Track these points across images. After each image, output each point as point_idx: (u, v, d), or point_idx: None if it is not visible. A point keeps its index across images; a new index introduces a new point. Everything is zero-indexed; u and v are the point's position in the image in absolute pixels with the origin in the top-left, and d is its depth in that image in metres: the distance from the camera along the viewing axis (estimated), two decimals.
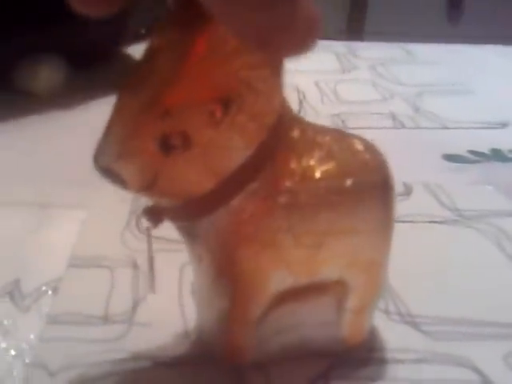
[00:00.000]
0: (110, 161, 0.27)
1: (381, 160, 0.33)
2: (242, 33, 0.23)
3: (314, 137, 0.32)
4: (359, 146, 0.33)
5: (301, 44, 0.23)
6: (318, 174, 0.31)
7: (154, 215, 0.32)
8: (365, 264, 0.34)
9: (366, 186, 0.32)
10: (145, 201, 0.32)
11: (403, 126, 0.69)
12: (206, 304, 0.35)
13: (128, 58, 0.83)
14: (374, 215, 0.33)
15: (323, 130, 0.33)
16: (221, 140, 0.28)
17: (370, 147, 0.33)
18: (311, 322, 0.35)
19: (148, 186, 0.28)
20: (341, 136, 0.33)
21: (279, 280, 0.32)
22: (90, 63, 0.74)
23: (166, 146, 0.27)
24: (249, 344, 0.34)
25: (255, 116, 0.28)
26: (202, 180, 0.29)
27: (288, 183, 0.30)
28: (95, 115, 0.65)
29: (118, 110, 0.28)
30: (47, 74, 0.69)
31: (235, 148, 0.29)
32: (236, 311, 0.33)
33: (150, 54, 0.28)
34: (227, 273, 0.32)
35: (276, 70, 0.29)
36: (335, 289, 0.34)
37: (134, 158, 0.27)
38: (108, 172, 0.28)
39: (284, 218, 0.30)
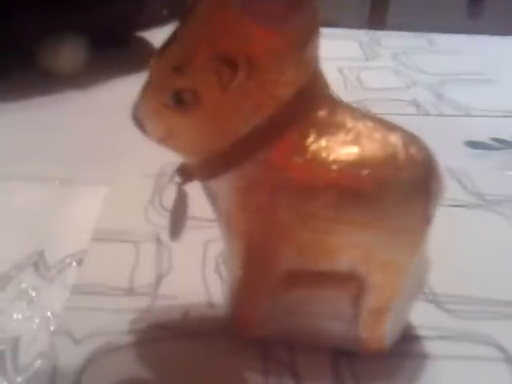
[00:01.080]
0: (135, 112, 0.31)
1: (419, 158, 0.31)
2: None
3: (343, 120, 0.30)
4: (396, 139, 0.30)
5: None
6: (332, 157, 0.29)
7: (184, 173, 0.33)
8: (382, 262, 0.31)
9: (389, 182, 0.30)
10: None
11: (427, 113, 0.68)
12: (227, 270, 0.36)
13: (147, 41, 0.83)
14: (397, 215, 0.30)
15: (361, 117, 0.31)
16: (229, 103, 0.29)
17: (410, 143, 0.31)
18: (324, 314, 0.33)
19: (164, 138, 0.31)
20: (380, 126, 0.31)
21: (287, 257, 0.31)
22: (110, 45, 0.74)
23: (178, 100, 0.29)
24: (257, 318, 0.34)
25: (264, 85, 0.29)
26: (211, 140, 0.30)
27: (297, 159, 0.29)
28: (115, 95, 0.67)
29: (150, 68, 0.30)
30: (69, 54, 0.69)
31: (243, 114, 0.29)
32: (246, 278, 0.33)
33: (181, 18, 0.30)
34: (230, 235, 0.33)
35: (292, 44, 0.29)
36: (350, 283, 0.32)
37: (150, 110, 0.30)
38: (136, 122, 0.31)
39: (286, 194, 0.30)
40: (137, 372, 0.33)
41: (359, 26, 0.97)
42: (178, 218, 0.35)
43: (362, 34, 0.93)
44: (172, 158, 0.52)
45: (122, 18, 0.76)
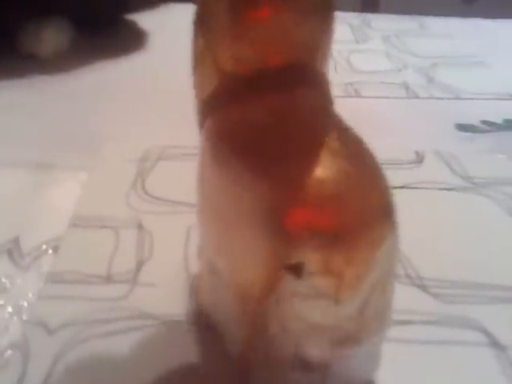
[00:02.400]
0: None
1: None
2: None
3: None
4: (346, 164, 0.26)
5: None
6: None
7: None
8: None
9: None
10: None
11: (416, 96, 0.67)
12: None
13: (134, 24, 0.82)
14: None
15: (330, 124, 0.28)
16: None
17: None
18: None
19: None
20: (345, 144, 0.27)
21: None
22: (95, 28, 0.73)
23: None
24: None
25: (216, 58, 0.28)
26: None
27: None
28: (98, 79, 0.66)
29: None
30: (52, 37, 0.68)
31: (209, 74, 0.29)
32: None
33: None
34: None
35: None
36: None
37: None
38: None
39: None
40: (114, 363, 0.32)
41: (353, 10, 0.96)
42: None
43: (353, 17, 0.92)
44: (155, 142, 0.52)
45: (109, 1, 0.75)
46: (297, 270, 0.25)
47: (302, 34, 0.27)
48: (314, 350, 0.27)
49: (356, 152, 0.27)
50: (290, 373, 0.28)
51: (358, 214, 0.25)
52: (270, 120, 0.27)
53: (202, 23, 0.28)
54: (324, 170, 0.25)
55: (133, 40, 0.77)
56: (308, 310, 0.26)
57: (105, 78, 0.65)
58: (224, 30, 0.28)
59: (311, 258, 0.24)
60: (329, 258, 0.24)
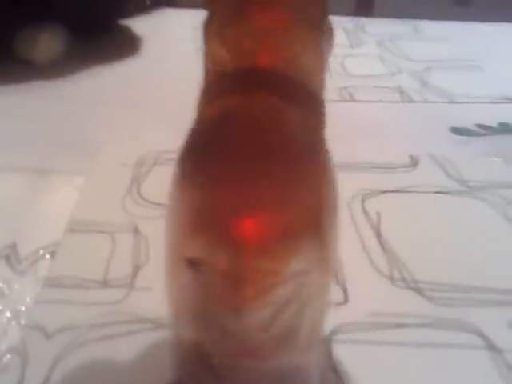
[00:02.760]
0: None
1: None
2: None
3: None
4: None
5: None
6: None
7: None
8: None
9: None
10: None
11: (411, 100, 0.68)
12: None
13: (129, 29, 0.82)
14: None
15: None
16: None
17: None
18: None
19: None
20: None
21: None
22: (90, 34, 0.73)
23: None
24: None
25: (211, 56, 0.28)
26: None
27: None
28: (94, 84, 0.66)
29: None
30: (48, 43, 0.69)
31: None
32: None
33: None
34: None
35: None
36: None
37: None
38: None
39: None
40: (111, 366, 0.32)
41: (347, 14, 0.96)
42: None
43: (347, 21, 0.93)
44: (151, 147, 0.52)
45: (104, 5, 0.75)
46: (194, 263, 0.24)
47: (286, 44, 0.27)
48: (216, 354, 0.26)
49: (298, 166, 0.25)
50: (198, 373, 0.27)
51: (271, 224, 0.23)
52: (218, 124, 0.26)
53: (204, 21, 0.28)
54: (253, 176, 0.24)
55: (127, 45, 0.78)
56: (211, 311, 0.25)
57: (100, 83, 0.65)
58: (213, 29, 0.28)
59: (217, 259, 0.24)
60: (233, 262, 0.24)
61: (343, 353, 0.33)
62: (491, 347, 0.34)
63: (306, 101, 0.27)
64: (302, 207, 0.24)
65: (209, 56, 0.28)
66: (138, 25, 0.84)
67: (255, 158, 0.24)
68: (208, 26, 0.29)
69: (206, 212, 0.24)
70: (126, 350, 0.33)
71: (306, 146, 0.25)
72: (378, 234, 0.44)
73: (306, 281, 0.24)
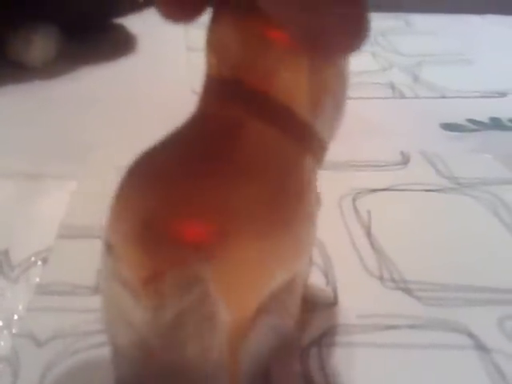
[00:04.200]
0: None
1: None
2: (293, 32, 0.23)
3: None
4: None
5: (347, 47, 0.23)
6: None
7: None
8: None
9: None
10: None
11: (402, 96, 0.68)
12: None
13: (123, 28, 0.82)
14: None
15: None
16: None
17: None
18: None
19: None
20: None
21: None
22: (84, 34, 0.73)
23: None
24: None
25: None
26: None
27: None
28: (87, 85, 0.66)
29: None
30: (41, 44, 0.68)
31: None
32: None
33: None
34: None
35: None
36: None
37: None
38: None
39: None
40: (103, 375, 0.32)
41: None
42: None
43: None
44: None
45: (97, 5, 0.75)
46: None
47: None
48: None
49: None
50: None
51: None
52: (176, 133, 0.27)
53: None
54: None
55: (120, 45, 0.78)
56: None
57: (94, 84, 0.65)
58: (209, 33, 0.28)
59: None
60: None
61: (333, 355, 0.34)
62: (480, 347, 0.34)
63: (279, 120, 0.27)
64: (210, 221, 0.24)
65: (206, 58, 0.29)
66: (133, 24, 0.84)
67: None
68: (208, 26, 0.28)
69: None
70: None
71: (247, 163, 0.25)
72: (369, 234, 0.44)
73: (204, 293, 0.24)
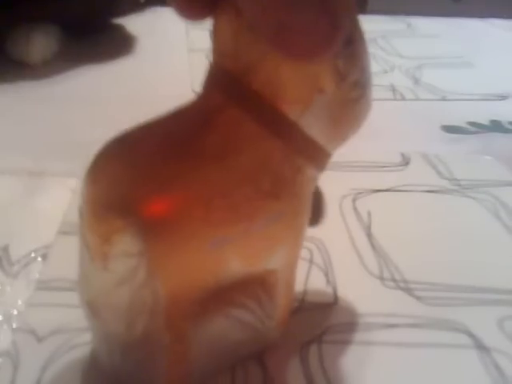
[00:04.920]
0: None
1: None
2: (262, 28, 0.23)
3: None
4: None
5: (313, 51, 0.23)
6: None
7: None
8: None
9: None
10: None
11: (403, 98, 0.68)
12: None
13: (123, 28, 0.82)
14: None
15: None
16: None
17: None
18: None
19: None
20: None
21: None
22: (84, 33, 0.73)
23: None
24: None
25: None
26: None
27: None
28: (87, 84, 0.66)
29: None
30: (41, 43, 0.68)
31: None
32: None
33: None
34: None
35: None
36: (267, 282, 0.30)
37: None
38: None
39: None
40: (103, 369, 0.32)
41: None
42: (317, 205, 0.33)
43: None
44: None
45: (97, 4, 0.75)
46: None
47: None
48: None
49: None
50: None
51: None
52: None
53: None
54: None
55: (121, 44, 0.78)
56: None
57: (93, 83, 0.65)
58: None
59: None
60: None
61: (333, 354, 0.34)
62: (480, 346, 0.34)
63: (258, 111, 0.27)
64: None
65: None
66: (132, 23, 0.84)
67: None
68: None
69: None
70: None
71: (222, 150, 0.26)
72: (369, 234, 0.44)
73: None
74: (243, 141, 0.26)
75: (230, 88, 0.27)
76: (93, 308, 0.28)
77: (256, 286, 0.29)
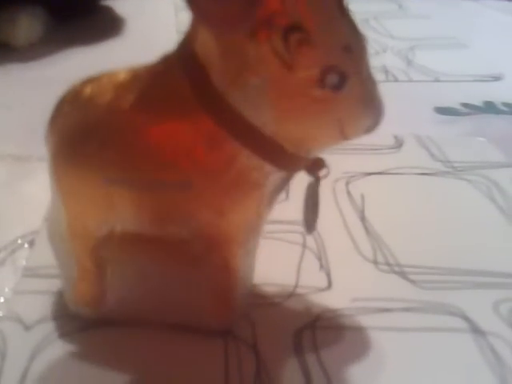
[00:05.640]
0: None
1: None
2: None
3: None
4: None
5: (230, 21, 0.24)
6: None
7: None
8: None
9: None
10: None
11: (396, 80, 0.67)
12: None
13: (110, 10, 0.81)
14: None
15: None
16: None
17: None
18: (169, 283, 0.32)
19: None
20: None
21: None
22: (71, 15, 0.72)
23: None
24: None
25: None
26: None
27: None
28: (74, 68, 0.65)
29: None
30: (27, 25, 0.67)
31: None
32: None
33: None
34: None
35: None
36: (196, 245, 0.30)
37: None
38: None
39: None
40: (91, 358, 0.32)
41: None
42: (311, 210, 0.33)
43: None
44: None
45: None
46: None
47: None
48: None
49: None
50: None
51: None
52: None
53: None
54: None
55: (109, 26, 0.76)
56: None
57: (81, 66, 0.64)
58: None
59: None
60: None
61: (327, 339, 0.33)
62: (475, 330, 0.34)
63: (192, 75, 0.27)
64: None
65: None
66: (120, 5, 0.83)
67: None
68: None
69: None
70: (106, 339, 0.33)
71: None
72: (362, 217, 0.43)
73: None
74: (175, 103, 0.28)
75: (181, 55, 0.28)
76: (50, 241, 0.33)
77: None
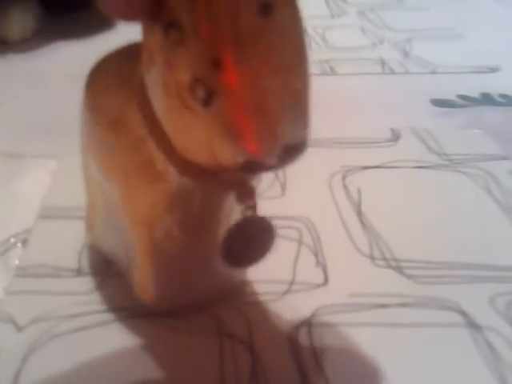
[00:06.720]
0: None
1: None
2: None
3: None
4: None
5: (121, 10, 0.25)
6: None
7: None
8: None
9: None
10: None
11: (392, 72, 0.67)
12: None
13: None
14: None
15: None
16: None
17: None
18: None
19: None
20: None
21: None
22: (63, 9, 0.71)
23: None
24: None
25: None
26: None
27: None
28: (67, 62, 0.64)
29: None
30: (19, 19, 0.67)
31: None
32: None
33: None
34: None
35: None
36: None
37: None
38: None
39: None
40: (85, 358, 0.31)
41: None
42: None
43: None
44: None
45: None
46: None
47: None
48: None
49: None
50: None
51: None
52: None
53: None
54: None
55: (102, 20, 0.76)
56: None
57: (74, 60, 0.64)
58: None
59: None
60: None
61: (323, 334, 0.33)
62: (471, 324, 0.34)
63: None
64: None
65: None
66: None
67: None
68: None
69: None
70: (100, 340, 0.32)
71: None
72: (359, 212, 0.43)
73: None
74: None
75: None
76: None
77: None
